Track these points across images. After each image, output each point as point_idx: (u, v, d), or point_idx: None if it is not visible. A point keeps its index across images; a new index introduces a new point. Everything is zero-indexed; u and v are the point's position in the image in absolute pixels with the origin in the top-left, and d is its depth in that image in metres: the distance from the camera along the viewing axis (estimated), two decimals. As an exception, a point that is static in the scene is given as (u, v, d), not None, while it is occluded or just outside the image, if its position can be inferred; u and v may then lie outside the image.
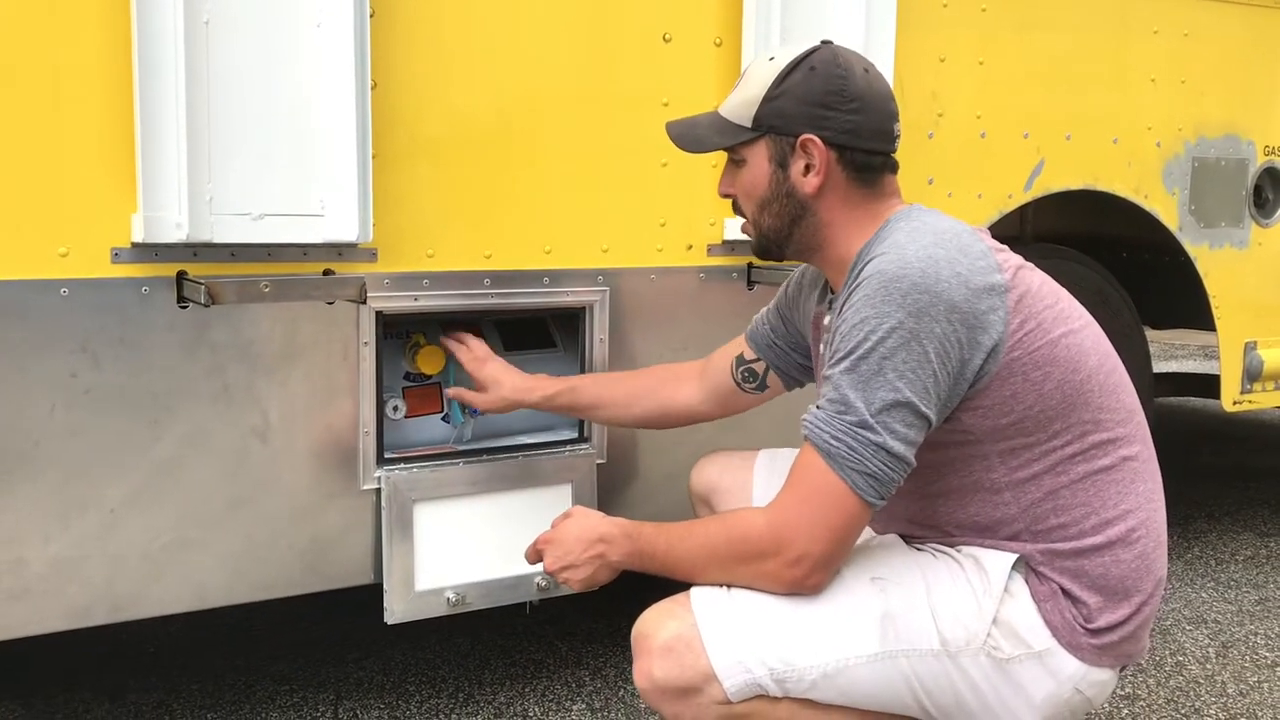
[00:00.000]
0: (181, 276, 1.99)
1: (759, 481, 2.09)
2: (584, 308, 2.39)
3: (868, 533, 1.84)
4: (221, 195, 1.94)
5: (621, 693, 2.65)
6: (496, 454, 2.36)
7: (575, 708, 2.58)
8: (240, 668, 2.78)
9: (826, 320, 1.82)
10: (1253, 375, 3.41)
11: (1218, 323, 3.34)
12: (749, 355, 2.13)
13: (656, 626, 1.67)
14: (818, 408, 1.63)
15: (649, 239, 2.44)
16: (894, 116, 1.76)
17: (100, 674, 2.73)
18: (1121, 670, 1.79)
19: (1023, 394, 1.64)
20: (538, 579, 2.33)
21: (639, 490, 2.51)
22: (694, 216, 2.48)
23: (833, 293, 1.83)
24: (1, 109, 1.85)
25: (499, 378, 2.25)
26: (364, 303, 2.08)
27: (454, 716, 2.54)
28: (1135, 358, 3.26)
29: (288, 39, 1.97)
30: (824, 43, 1.76)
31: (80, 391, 1.95)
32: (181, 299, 2.00)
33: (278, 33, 1.97)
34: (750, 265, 2.53)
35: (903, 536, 1.83)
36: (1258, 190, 3.41)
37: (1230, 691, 2.74)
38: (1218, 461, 5.05)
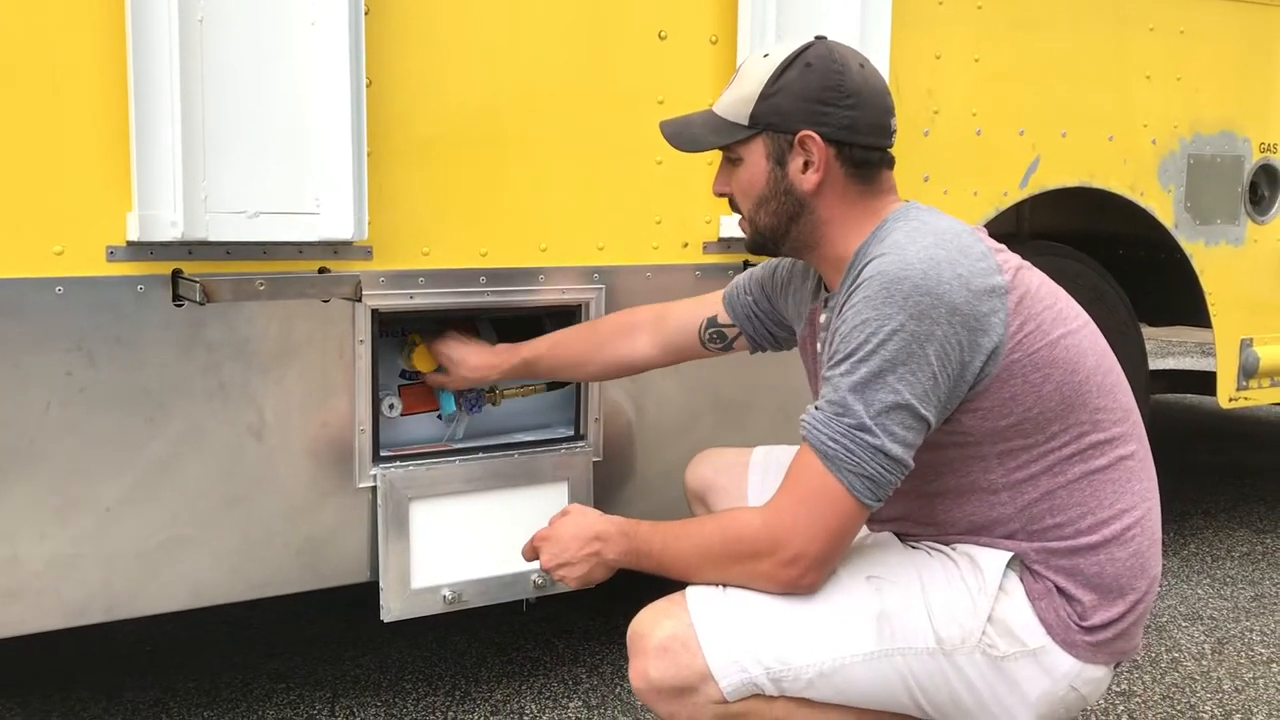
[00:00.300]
0: (177, 275, 1.99)
1: (754, 480, 2.09)
2: (580, 305, 2.39)
3: (863, 530, 1.84)
4: (216, 193, 1.94)
5: (618, 690, 2.65)
6: (493, 452, 2.36)
7: (572, 705, 2.58)
8: (237, 666, 2.78)
9: (823, 318, 1.82)
10: (1248, 372, 3.42)
11: (1213, 320, 3.35)
12: (723, 319, 2.15)
13: (652, 626, 1.67)
14: (816, 408, 1.62)
15: (644, 237, 2.44)
16: (890, 111, 1.75)
17: (96, 672, 2.73)
18: (1116, 666, 1.79)
19: (1022, 396, 1.64)
20: (534, 576, 2.33)
21: (635, 488, 2.51)
22: (689, 214, 2.48)
23: (828, 290, 1.83)
24: (-4, 107, 1.85)
25: (460, 357, 2.29)
26: (359, 301, 2.08)
27: (451, 714, 2.54)
28: (1131, 355, 3.27)
29: (282, 37, 1.97)
30: (818, 38, 1.75)
31: (76, 390, 1.95)
32: (177, 297, 2.00)
33: (272, 30, 1.96)
34: (746, 263, 2.53)
35: (898, 534, 1.83)
36: (1253, 187, 3.41)
37: (1226, 687, 2.75)
38: (1214, 458, 5.05)
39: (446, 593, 2.28)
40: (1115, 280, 3.34)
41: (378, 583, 2.24)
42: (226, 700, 2.60)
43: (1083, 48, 3.00)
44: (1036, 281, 1.70)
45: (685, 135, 1.82)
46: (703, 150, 1.82)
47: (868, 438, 1.57)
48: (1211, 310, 3.34)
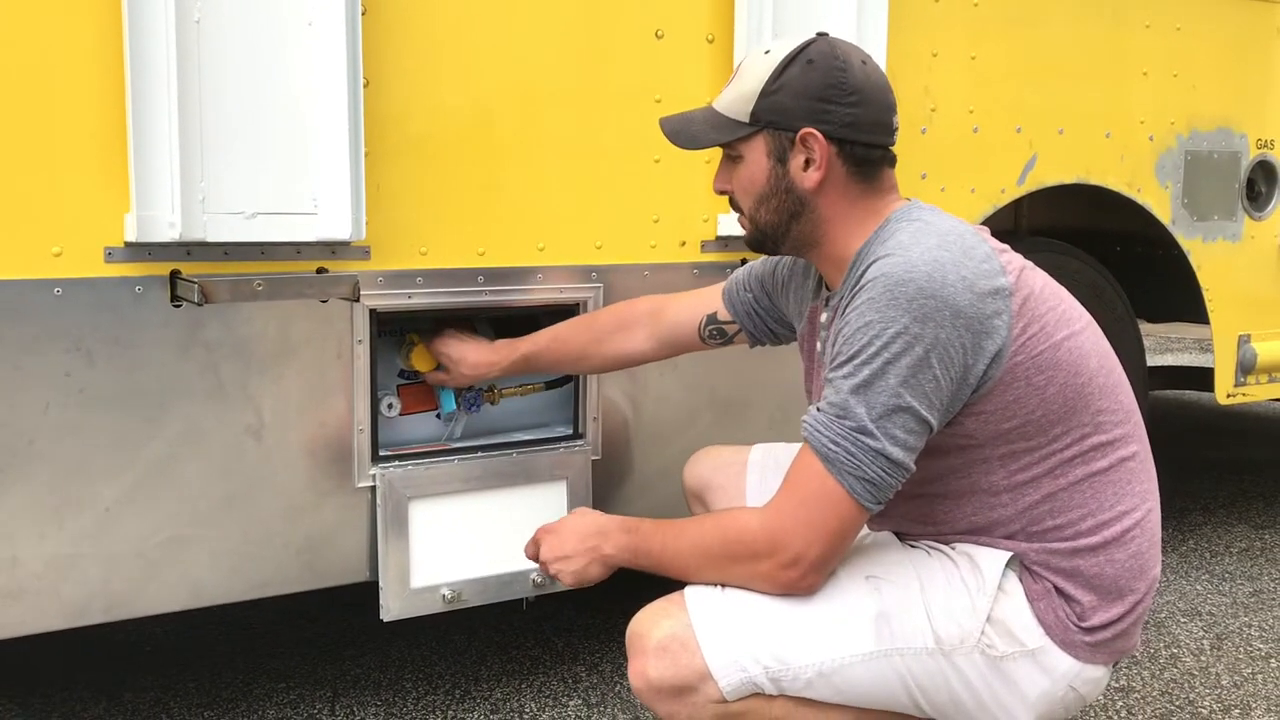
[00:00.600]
0: (175, 275, 1.99)
1: (752, 479, 2.09)
2: (578, 304, 2.39)
3: (862, 530, 1.84)
4: (214, 194, 1.94)
5: (618, 688, 2.65)
6: (491, 451, 2.36)
7: (572, 704, 2.58)
8: (237, 665, 2.78)
9: (823, 317, 1.81)
10: (1246, 368, 3.42)
11: (1211, 316, 3.35)
12: (723, 316, 2.15)
13: (651, 626, 1.67)
14: (818, 410, 1.62)
15: (642, 235, 2.44)
16: (893, 109, 1.74)
17: (97, 673, 2.73)
18: (1114, 665, 1.79)
19: (1025, 398, 1.63)
20: (534, 575, 2.33)
21: (634, 486, 2.51)
22: (687, 213, 2.48)
23: (829, 288, 1.82)
24: (-7, 109, 1.85)
25: (459, 355, 2.29)
26: (357, 300, 2.08)
27: (450, 713, 2.54)
28: (1130, 351, 3.27)
29: (279, 37, 1.97)
30: (820, 35, 1.74)
31: (75, 390, 1.95)
32: (175, 298, 2.00)
33: (269, 31, 1.96)
34: (744, 261, 2.53)
35: (897, 534, 1.83)
36: (1250, 183, 3.41)
37: (1224, 683, 2.75)
38: (1212, 455, 5.05)
39: (446, 592, 2.29)
40: (1113, 277, 3.34)
41: (377, 582, 2.24)
42: (226, 700, 2.60)
43: (1079, 45, 3.00)
44: (1040, 283, 1.69)
45: (685, 133, 1.81)
46: (703, 148, 1.81)
47: (869, 441, 1.56)
48: (1209, 306, 3.34)
